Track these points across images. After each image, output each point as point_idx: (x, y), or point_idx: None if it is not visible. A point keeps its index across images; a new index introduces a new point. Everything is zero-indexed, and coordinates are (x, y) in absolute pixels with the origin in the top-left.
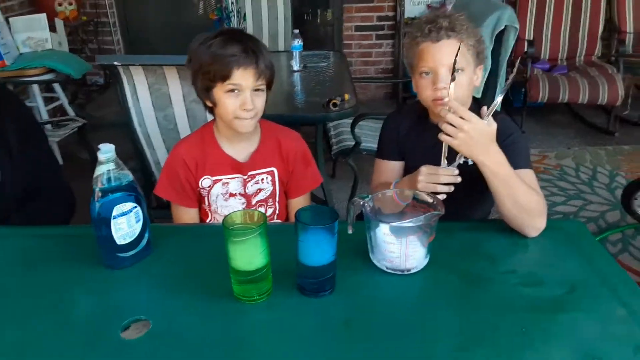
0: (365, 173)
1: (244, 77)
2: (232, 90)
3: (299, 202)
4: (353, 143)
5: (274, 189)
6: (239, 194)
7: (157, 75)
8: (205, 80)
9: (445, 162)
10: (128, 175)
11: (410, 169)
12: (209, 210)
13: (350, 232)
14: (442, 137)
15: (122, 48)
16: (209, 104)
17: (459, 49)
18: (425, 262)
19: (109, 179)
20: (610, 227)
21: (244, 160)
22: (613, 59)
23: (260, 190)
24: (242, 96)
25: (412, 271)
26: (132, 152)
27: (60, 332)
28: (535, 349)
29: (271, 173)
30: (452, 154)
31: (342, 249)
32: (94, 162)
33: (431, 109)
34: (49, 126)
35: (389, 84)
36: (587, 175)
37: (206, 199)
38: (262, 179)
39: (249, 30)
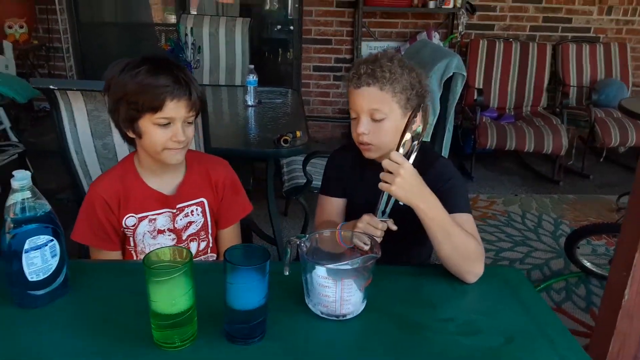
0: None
1: (176, 110)
2: (162, 122)
3: (228, 232)
4: (305, 181)
5: (205, 220)
6: (168, 229)
7: (96, 102)
8: (131, 110)
9: (381, 214)
10: (45, 205)
11: (352, 206)
12: (135, 251)
13: (286, 273)
14: (381, 186)
15: (74, 74)
16: (130, 134)
17: (413, 115)
18: (362, 307)
19: (23, 209)
20: (554, 274)
21: (170, 193)
22: (558, 110)
23: (190, 223)
24: (173, 128)
25: (348, 317)
26: (67, 183)
27: None
28: None
29: (201, 204)
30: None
31: (276, 292)
32: None
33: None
34: None
35: (346, 124)
36: (532, 223)
37: (131, 239)
38: (192, 211)
39: (206, 64)
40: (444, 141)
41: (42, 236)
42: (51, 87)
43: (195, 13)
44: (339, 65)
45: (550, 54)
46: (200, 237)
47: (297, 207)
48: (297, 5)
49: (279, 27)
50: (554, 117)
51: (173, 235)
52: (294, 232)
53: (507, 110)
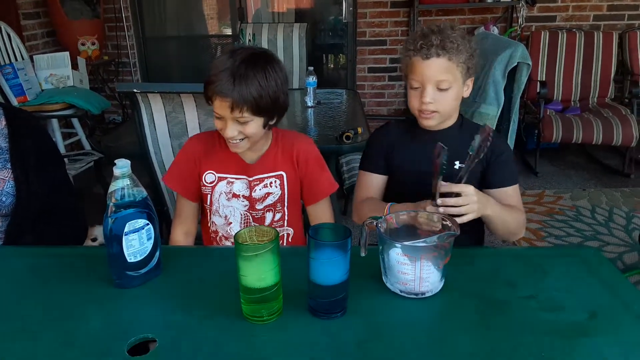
0: None
1: (221, 108)
2: (216, 115)
3: (318, 207)
4: None
5: (283, 193)
6: (243, 196)
7: (174, 104)
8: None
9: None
10: (142, 192)
11: (395, 180)
12: (210, 210)
13: (363, 254)
14: (462, 219)
15: None
16: None
17: (488, 135)
18: (440, 286)
19: (123, 195)
20: (629, 268)
21: (251, 163)
22: (627, 100)
23: (268, 194)
24: (223, 122)
25: (427, 295)
26: (146, 183)
27: (68, 346)
28: None
29: (280, 177)
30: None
31: (355, 273)
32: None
33: (417, 117)
34: (65, 160)
35: None
36: (603, 217)
37: (209, 197)
38: (271, 183)
39: None
40: (509, 133)
41: (139, 220)
42: (134, 90)
43: (253, 22)
44: (393, 65)
45: (617, 42)
46: (276, 209)
47: None
48: (351, 9)
49: (332, 31)
50: (622, 108)
51: (246, 202)
52: (355, 230)
53: (572, 103)
